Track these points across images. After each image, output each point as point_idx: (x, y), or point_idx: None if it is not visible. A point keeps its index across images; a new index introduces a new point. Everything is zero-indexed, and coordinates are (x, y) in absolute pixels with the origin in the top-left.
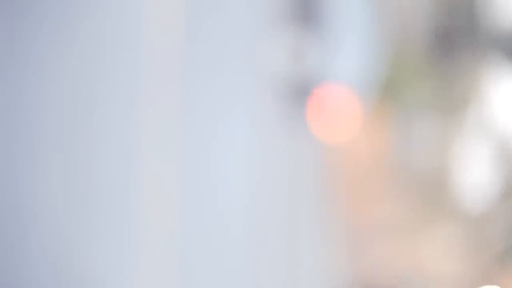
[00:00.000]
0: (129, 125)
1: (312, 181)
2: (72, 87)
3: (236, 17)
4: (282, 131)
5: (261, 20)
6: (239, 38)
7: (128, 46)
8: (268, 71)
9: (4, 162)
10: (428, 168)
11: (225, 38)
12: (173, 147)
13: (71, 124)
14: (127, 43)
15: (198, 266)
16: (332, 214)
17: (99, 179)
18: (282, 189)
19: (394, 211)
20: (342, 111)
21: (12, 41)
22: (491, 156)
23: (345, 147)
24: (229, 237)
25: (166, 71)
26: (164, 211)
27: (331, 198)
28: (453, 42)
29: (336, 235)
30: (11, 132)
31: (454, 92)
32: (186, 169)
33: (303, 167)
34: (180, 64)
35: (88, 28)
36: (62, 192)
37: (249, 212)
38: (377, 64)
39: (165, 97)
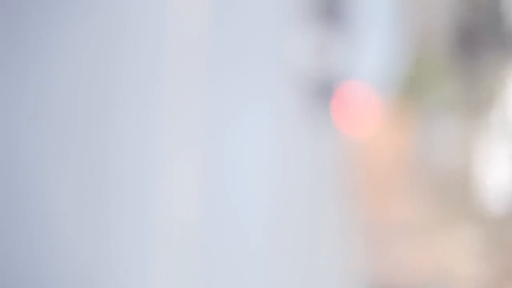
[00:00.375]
0: (147, 120)
1: (334, 179)
2: (89, 83)
3: (260, 13)
4: (304, 128)
5: (285, 16)
6: (263, 33)
7: (150, 41)
8: (291, 67)
9: (15, 162)
10: (450, 168)
11: (249, 33)
12: (194, 143)
13: (86, 122)
14: (149, 37)
15: (216, 267)
16: (353, 213)
17: (115, 179)
18: (304, 187)
19: (415, 211)
20: (364, 108)
21: (26, 36)
22: None
23: (367, 145)
24: (248, 236)
25: (188, 67)
26: (183, 209)
27: (352, 196)
28: (477, 41)
29: (356, 234)
30: (21, 131)
31: (478, 92)
32: (207, 166)
33: (325, 164)
34: (203, 59)
35: (106, 21)
36: (75, 193)
37: (270, 209)
38: (400, 62)
39: (186, 93)
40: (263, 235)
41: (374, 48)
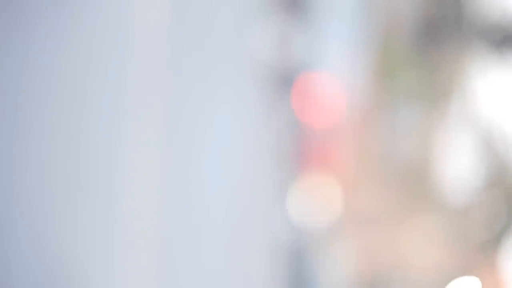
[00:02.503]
0: (114, 111)
1: (295, 169)
2: (59, 86)
3: (222, 4)
4: (266, 118)
5: (247, 7)
6: (224, 25)
7: (114, 35)
8: (253, 58)
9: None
10: (411, 158)
11: (210, 25)
12: (155, 135)
13: (56, 123)
14: (113, 29)
15: (179, 261)
16: (315, 203)
17: (85, 176)
18: (266, 178)
19: (377, 200)
20: (327, 99)
21: (3, 42)
22: (475, 147)
23: (329, 135)
24: (211, 230)
25: (151, 61)
26: (148, 203)
27: (314, 187)
28: (439, 32)
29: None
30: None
31: (439, 82)
32: (170, 158)
33: (287, 155)
34: (165, 52)
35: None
36: (47, 190)
37: (232, 200)
38: (363, 53)
39: (150, 87)
40: (224, 226)
41: (337, 38)
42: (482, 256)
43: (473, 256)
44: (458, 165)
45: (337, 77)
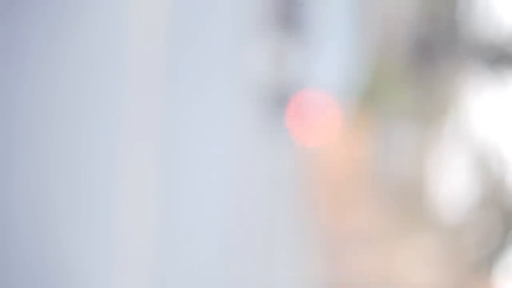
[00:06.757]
0: (112, 126)
1: (290, 187)
2: (57, 89)
3: (218, 23)
4: (261, 136)
5: (243, 25)
6: (221, 43)
7: (112, 50)
8: (249, 76)
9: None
10: (405, 176)
11: (207, 43)
12: (153, 149)
13: (53, 124)
14: (111, 47)
15: (173, 270)
16: (309, 221)
17: (84, 177)
18: (260, 195)
19: (370, 219)
20: (321, 117)
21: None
22: (469, 166)
23: (324, 153)
24: (205, 244)
25: (149, 75)
26: (143, 217)
27: (308, 204)
28: (434, 51)
29: (312, 242)
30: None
31: (433, 101)
32: (165, 172)
33: (282, 172)
34: (162, 68)
35: (73, 39)
36: (44, 190)
37: (227, 217)
38: (358, 71)
39: (147, 101)
40: (220, 242)
41: (332, 57)
42: (476, 276)
43: (467, 275)
44: (452, 184)
45: (332, 96)
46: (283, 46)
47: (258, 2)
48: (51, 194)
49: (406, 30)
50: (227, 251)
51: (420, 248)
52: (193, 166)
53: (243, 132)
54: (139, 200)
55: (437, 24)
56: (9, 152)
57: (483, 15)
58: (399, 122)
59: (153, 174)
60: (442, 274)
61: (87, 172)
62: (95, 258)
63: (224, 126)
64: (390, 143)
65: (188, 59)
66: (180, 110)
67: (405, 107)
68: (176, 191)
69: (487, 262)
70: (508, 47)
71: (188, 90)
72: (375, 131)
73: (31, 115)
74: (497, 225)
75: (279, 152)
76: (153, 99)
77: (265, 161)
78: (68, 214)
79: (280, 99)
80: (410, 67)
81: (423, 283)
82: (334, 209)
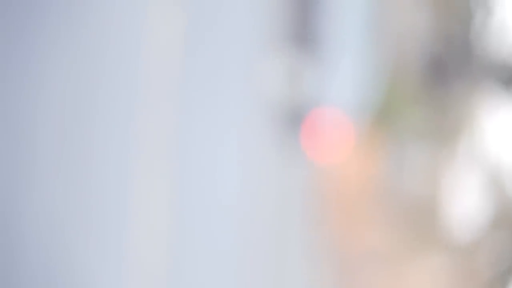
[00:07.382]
0: (124, 151)
1: (303, 204)
2: (71, 92)
3: (232, 40)
4: (275, 153)
5: (257, 43)
6: (236, 60)
7: (127, 68)
8: (263, 93)
9: (0, 162)
10: (418, 195)
11: (222, 60)
12: (167, 166)
13: (68, 127)
14: (126, 64)
15: (183, 279)
16: (322, 238)
17: (94, 182)
18: (274, 211)
19: (383, 237)
20: (335, 135)
21: (13, 43)
22: (482, 186)
23: (337, 171)
24: (219, 260)
25: (163, 92)
26: (157, 240)
27: (321, 221)
28: (448, 70)
29: (324, 260)
30: (7, 132)
31: (447, 120)
32: (180, 189)
33: (295, 189)
34: (177, 86)
35: (87, 47)
36: (57, 193)
37: (240, 235)
38: (372, 90)
39: (160, 118)
40: (233, 258)
41: (346, 75)
42: None
43: None
44: (465, 204)
45: (346, 113)
46: (298, 64)
47: (273, 19)
48: (63, 196)
49: (420, 49)
50: (239, 268)
51: (432, 267)
52: (208, 182)
53: (258, 149)
54: (151, 214)
55: (452, 44)
56: (22, 153)
57: (497, 35)
58: (412, 141)
59: (165, 195)
60: None
61: (101, 175)
62: (106, 264)
63: (239, 142)
64: (403, 161)
65: (203, 76)
66: (195, 127)
67: (418, 126)
68: (190, 217)
69: (499, 282)
70: None
71: (203, 107)
72: (388, 149)
73: (45, 117)
74: (509, 244)
75: (292, 169)
76: (167, 117)
77: (279, 178)
78: (79, 216)
79: (294, 116)
80: (424, 86)
81: None
82: (347, 227)
